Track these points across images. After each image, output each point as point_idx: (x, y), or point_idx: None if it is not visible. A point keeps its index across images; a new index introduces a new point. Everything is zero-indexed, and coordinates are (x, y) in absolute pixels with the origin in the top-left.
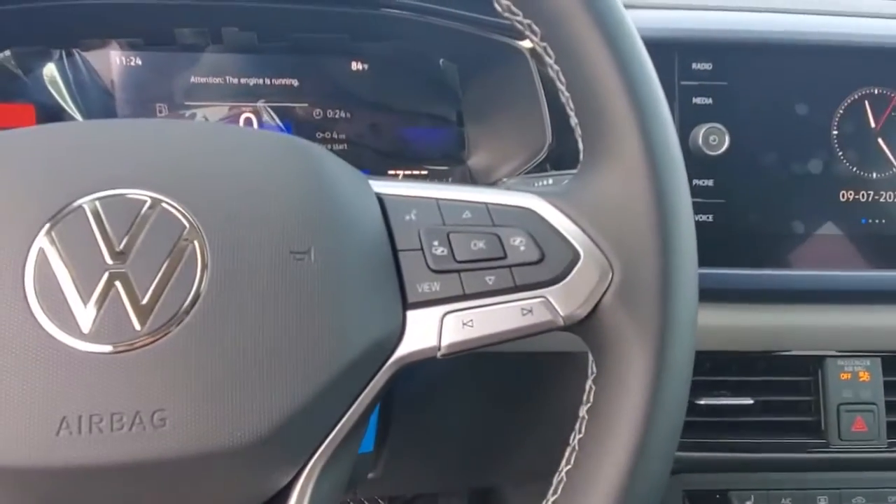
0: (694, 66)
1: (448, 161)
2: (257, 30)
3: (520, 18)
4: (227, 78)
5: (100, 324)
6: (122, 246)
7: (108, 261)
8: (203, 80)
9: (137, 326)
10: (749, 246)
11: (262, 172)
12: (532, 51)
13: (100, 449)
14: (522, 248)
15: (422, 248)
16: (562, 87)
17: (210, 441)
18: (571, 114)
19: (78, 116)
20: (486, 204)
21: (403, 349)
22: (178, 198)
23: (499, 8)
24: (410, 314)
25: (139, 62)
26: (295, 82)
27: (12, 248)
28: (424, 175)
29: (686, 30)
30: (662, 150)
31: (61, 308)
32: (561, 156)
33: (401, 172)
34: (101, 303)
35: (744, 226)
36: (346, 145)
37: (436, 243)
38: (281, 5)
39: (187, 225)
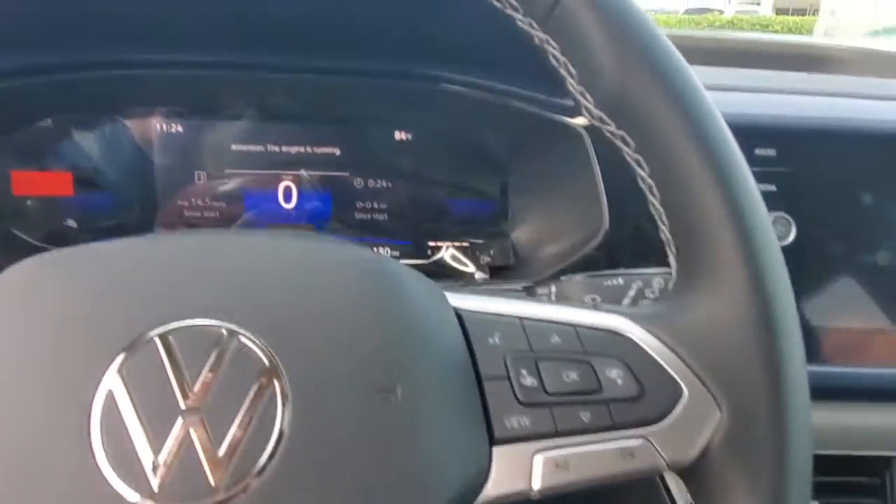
0: (757, 151)
1: (490, 233)
2: (301, 99)
3: (612, 129)
4: (268, 146)
5: (172, 481)
6: (196, 387)
7: (182, 404)
8: (243, 147)
9: (213, 482)
10: (817, 341)
11: (341, 297)
12: (588, 130)
13: None
14: (619, 381)
15: (508, 377)
16: (654, 201)
17: None
18: (664, 228)
19: (115, 185)
20: (574, 326)
21: (491, 490)
22: (255, 329)
23: (588, 118)
24: (497, 451)
25: (180, 129)
26: (336, 151)
27: (78, 390)
28: (466, 247)
29: (749, 115)
30: (771, 276)
31: (130, 462)
32: (617, 243)
33: (442, 244)
34: (173, 455)
35: (811, 320)
36: (386, 215)
37: (524, 372)
38: (330, 78)
39: (266, 361)
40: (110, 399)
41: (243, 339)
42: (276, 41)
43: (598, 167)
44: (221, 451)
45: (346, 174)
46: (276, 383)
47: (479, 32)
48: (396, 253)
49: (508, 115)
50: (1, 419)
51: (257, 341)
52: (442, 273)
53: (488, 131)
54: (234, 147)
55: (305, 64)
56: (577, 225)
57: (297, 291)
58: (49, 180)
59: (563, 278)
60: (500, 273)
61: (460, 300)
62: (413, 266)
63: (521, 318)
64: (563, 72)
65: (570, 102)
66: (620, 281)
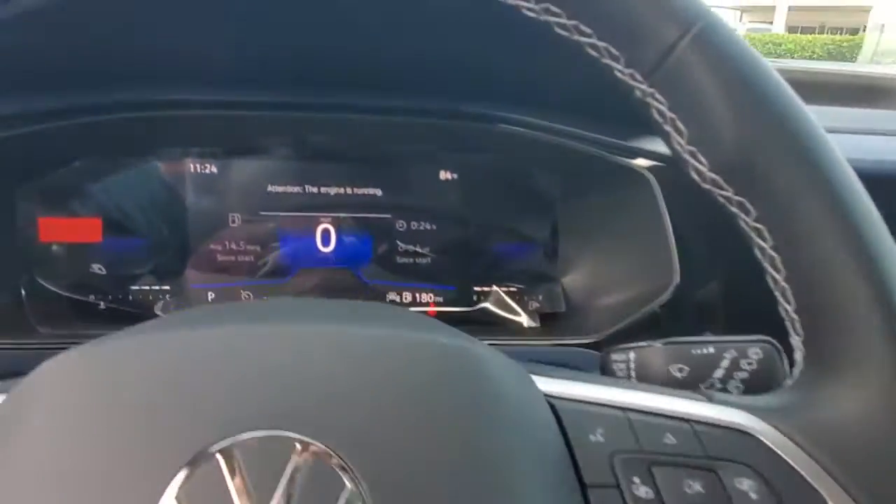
0: None
1: (539, 278)
2: (342, 138)
3: (727, 195)
4: (306, 186)
5: None
6: None
7: None
8: (280, 188)
9: None
10: None
11: (424, 396)
12: (654, 173)
13: None
14: (753, 494)
15: (618, 486)
16: (777, 276)
17: None
18: (788, 306)
19: (146, 229)
20: (690, 421)
21: None
22: (331, 439)
23: (698, 180)
24: None
25: (213, 170)
26: (378, 192)
27: None
28: (514, 291)
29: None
30: None
31: None
32: (687, 300)
33: (489, 289)
34: None
35: None
36: (429, 259)
37: (636, 480)
38: (373, 116)
39: (347, 480)
40: None
41: (318, 452)
42: (317, 78)
43: (667, 215)
44: None
45: (388, 216)
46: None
47: (544, 73)
48: (440, 299)
49: (564, 155)
50: None
51: (335, 454)
52: (488, 321)
53: (540, 171)
54: (270, 188)
55: (348, 102)
56: (639, 275)
57: (374, 391)
58: (78, 226)
59: (641, 344)
60: (552, 321)
61: (549, 384)
62: (457, 313)
63: (625, 410)
64: (668, 128)
65: (634, 144)
66: (711, 350)
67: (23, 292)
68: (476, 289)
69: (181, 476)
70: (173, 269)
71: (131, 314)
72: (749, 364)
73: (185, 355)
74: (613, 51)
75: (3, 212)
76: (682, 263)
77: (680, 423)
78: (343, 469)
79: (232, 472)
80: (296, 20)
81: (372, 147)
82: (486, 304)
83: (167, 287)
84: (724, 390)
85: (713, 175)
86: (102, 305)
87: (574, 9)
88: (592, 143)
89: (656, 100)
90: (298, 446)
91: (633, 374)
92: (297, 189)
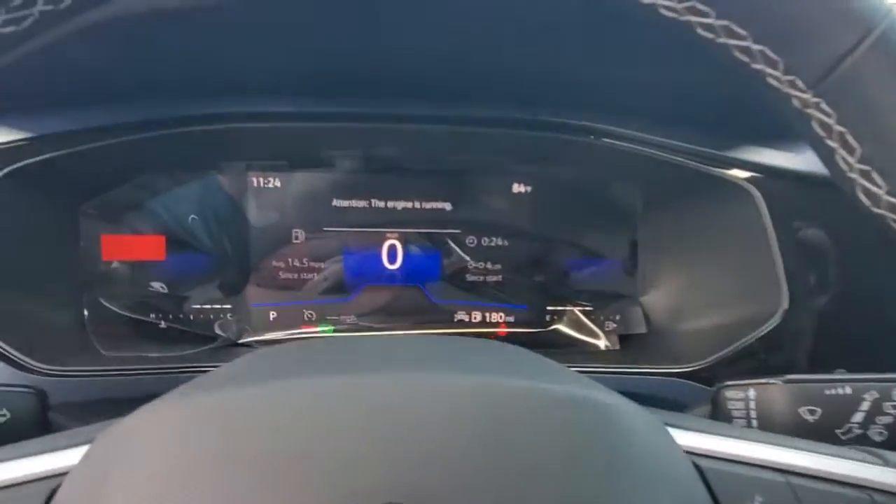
0: None
1: (617, 297)
2: (413, 151)
3: None
4: (372, 201)
5: None
6: None
7: None
8: (346, 203)
9: None
10: None
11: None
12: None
13: None
14: None
15: None
16: None
17: None
18: None
19: (209, 245)
20: (867, 490)
21: None
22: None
23: (867, 203)
24: None
25: (277, 184)
26: (447, 206)
27: None
28: (589, 311)
29: None
30: None
31: None
32: (789, 328)
33: (563, 308)
34: None
35: None
36: (500, 276)
37: None
38: (447, 127)
39: None
40: None
41: None
42: (387, 88)
43: (774, 233)
44: None
45: (458, 231)
46: None
47: (636, 80)
48: (511, 318)
49: (649, 165)
50: None
51: None
52: (562, 343)
53: (620, 183)
54: (334, 202)
55: (419, 112)
56: (737, 297)
57: (505, 455)
58: (141, 244)
59: (760, 381)
60: (633, 344)
61: (688, 438)
62: (530, 334)
63: (784, 472)
64: (832, 144)
65: (731, 154)
66: (847, 389)
67: (85, 313)
68: (549, 308)
69: None
70: (234, 287)
71: (191, 333)
72: (894, 407)
73: (283, 406)
74: (771, 55)
75: (67, 230)
76: (793, 287)
77: (855, 493)
78: None
79: None
80: (370, 29)
81: (443, 159)
82: (560, 325)
83: (228, 305)
84: (865, 437)
85: (891, 199)
86: (163, 324)
87: (727, 8)
88: (683, 153)
89: (821, 111)
90: None
91: (752, 414)
92: (362, 203)
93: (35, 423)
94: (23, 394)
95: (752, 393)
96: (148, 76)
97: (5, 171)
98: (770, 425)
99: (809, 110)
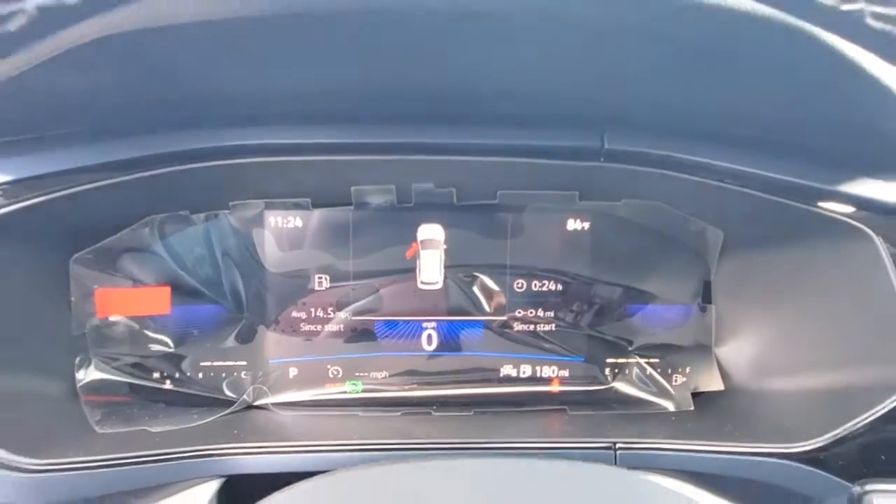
0: None
1: (687, 349)
2: (454, 184)
3: None
4: (407, 241)
5: None
6: None
7: None
8: (376, 243)
9: None
10: None
11: None
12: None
13: None
14: None
15: None
16: None
17: None
18: None
19: (220, 294)
20: None
21: None
22: None
23: None
24: None
25: (298, 223)
26: (493, 245)
27: None
28: (655, 363)
29: None
30: None
31: None
32: None
33: (624, 360)
34: None
35: None
36: (553, 325)
37: None
38: (496, 159)
39: None
40: None
41: None
42: (427, 115)
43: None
44: None
45: (505, 273)
46: None
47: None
48: (565, 373)
49: (734, 200)
50: None
51: None
52: (625, 401)
53: (699, 220)
54: (363, 243)
55: (462, 141)
56: (850, 358)
57: None
58: (142, 296)
59: None
60: (707, 406)
61: None
62: (588, 392)
63: None
64: None
65: (841, 190)
66: None
67: (77, 381)
68: (609, 361)
69: None
70: (249, 341)
71: (199, 398)
72: None
73: None
74: None
75: (53, 285)
76: None
77: None
78: None
79: None
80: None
81: (488, 193)
82: (622, 382)
83: (242, 362)
84: None
85: None
86: (168, 384)
87: None
88: (778, 187)
89: None
90: None
91: None
92: (395, 244)
93: None
94: None
95: None
96: (148, 105)
97: None
98: None
99: None
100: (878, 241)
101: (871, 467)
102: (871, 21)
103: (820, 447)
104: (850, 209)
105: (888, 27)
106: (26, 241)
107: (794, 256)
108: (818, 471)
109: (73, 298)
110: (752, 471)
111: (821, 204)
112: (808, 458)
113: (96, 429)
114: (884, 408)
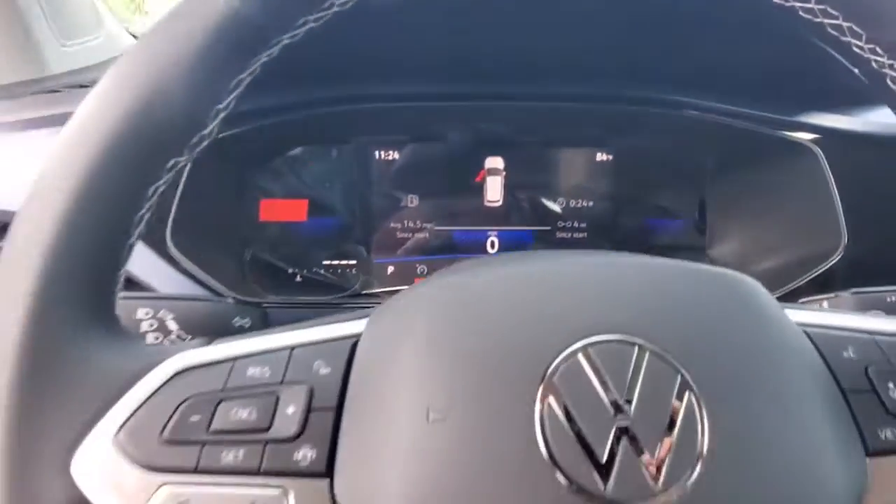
0: None
1: (687, 250)
2: (514, 125)
3: None
4: (477, 170)
5: (618, 482)
6: (622, 397)
7: (612, 412)
8: (455, 171)
9: (653, 485)
10: None
11: (723, 315)
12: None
13: None
14: None
15: (875, 390)
16: None
17: None
18: None
19: (340, 210)
20: None
21: (872, 501)
22: (663, 345)
23: None
24: (873, 462)
25: (396, 156)
26: (541, 172)
27: (521, 402)
28: None
29: None
30: None
31: (579, 465)
32: (858, 258)
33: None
34: (614, 460)
35: None
36: (586, 234)
37: (890, 385)
38: (544, 104)
39: (678, 376)
40: (548, 409)
41: (653, 354)
42: (493, 70)
43: (833, 182)
44: (654, 458)
45: (550, 193)
46: (689, 394)
47: (720, 58)
48: None
49: (722, 133)
50: (453, 436)
51: (665, 356)
52: None
53: (693, 150)
54: (445, 171)
55: (520, 91)
56: (802, 240)
57: (691, 312)
58: (289, 207)
59: (829, 295)
60: None
61: (800, 315)
62: None
63: (871, 333)
64: None
65: (800, 119)
66: None
67: (245, 263)
68: None
69: (548, 373)
70: (359, 246)
71: (325, 284)
72: None
73: (531, 278)
74: (857, 29)
75: (231, 195)
76: (850, 225)
77: None
78: (673, 367)
79: (592, 368)
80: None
81: (539, 132)
82: None
83: (354, 262)
84: None
85: None
86: (299, 278)
87: None
88: (755, 120)
89: (893, 69)
90: (636, 348)
91: None
92: (469, 172)
93: None
94: (258, 309)
95: (825, 304)
96: (311, 63)
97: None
98: None
99: (884, 70)
100: (822, 157)
101: None
102: None
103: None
104: (807, 135)
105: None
106: (223, 161)
107: (764, 175)
108: None
109: (244, 205)
110: None
111: (784, 131)
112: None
113: (261, 294)
114: (817, 271)
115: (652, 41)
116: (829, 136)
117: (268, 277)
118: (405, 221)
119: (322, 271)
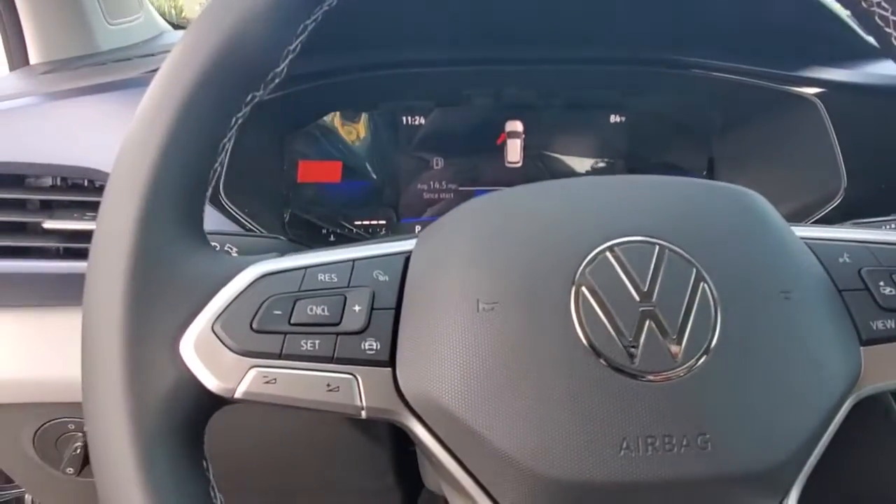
0: None
1: None
2: (536, 88)
3: None
4: (499, 132)
5: (643, 357)
6: (646, 287)
7: (638, 299)
8: (478, 135)
9: (674, 359)
10: None
11: (732, 221)
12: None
13: (656, 467)
14: None
15: (867, 288)
16: None
17: (746, 463)
18: None
19: (370, 172)
20: None
21: (866, 385)
22: (680, 244)
23: None
24: (866, 350)
25: (421, 121)
26: (559, 133)
27: (559, 292)
28: None
29: None
30: None
31: (610, 344)
32: (857, 199)
33: None
34: (640, 337)
35: None
36: None
37: (881, 283)
38: (563, 67)
39: (693, 269)
40: (583, 297)
41: (672, 252)
42: (514, 37)
43: (833, 132)
44: (675, 335)
45: (565, 154)
46: (704, 284)
47: (725, 19)
48: None
49: (730, 90)
50: (502, 321)
51: (684, 253)
52: None
53: (703, 109)
54: (468, 135)
55: (539, 55)
56: (806, 188)
57: (702, 215)
58: (325, 169)
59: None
60: None
61: (802, 231)
62: None
63: (864, 242)
64: (889, 30)
65: (803, 74)
66: None
67: (284, 223)
68: None
69: (583, 268)
70: (388, 206)
71: (355, 242)
72: None
73: (569, 190)
74: None
75: (274, 158)
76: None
77: None
78: (689, 262)
79: (619, 264)
80: None
81: (556, 96)
82: None
83: (383, 221)
84: None
85: None
86: (332, 238)
87: None
88: (762, 76)
89: (881, 8)
90: (657, 247)
91: None
92: (492, 135)
93: None
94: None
95: None
96: (349, 31)
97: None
98: None
99: (873, 8)
100: (821, 107)
101: None
102: None
103: None
104: (809, 89)
105: None
106: (266, 125)
107: (769, 129)
108: None
109: (285, 166)
110: None
111: (788, 86)
112: None
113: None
114: (819, 214)
115: (663, 2)
116: (832, 89)
117: (304, 236)
118: (430, 183)
119: (354, 230)
